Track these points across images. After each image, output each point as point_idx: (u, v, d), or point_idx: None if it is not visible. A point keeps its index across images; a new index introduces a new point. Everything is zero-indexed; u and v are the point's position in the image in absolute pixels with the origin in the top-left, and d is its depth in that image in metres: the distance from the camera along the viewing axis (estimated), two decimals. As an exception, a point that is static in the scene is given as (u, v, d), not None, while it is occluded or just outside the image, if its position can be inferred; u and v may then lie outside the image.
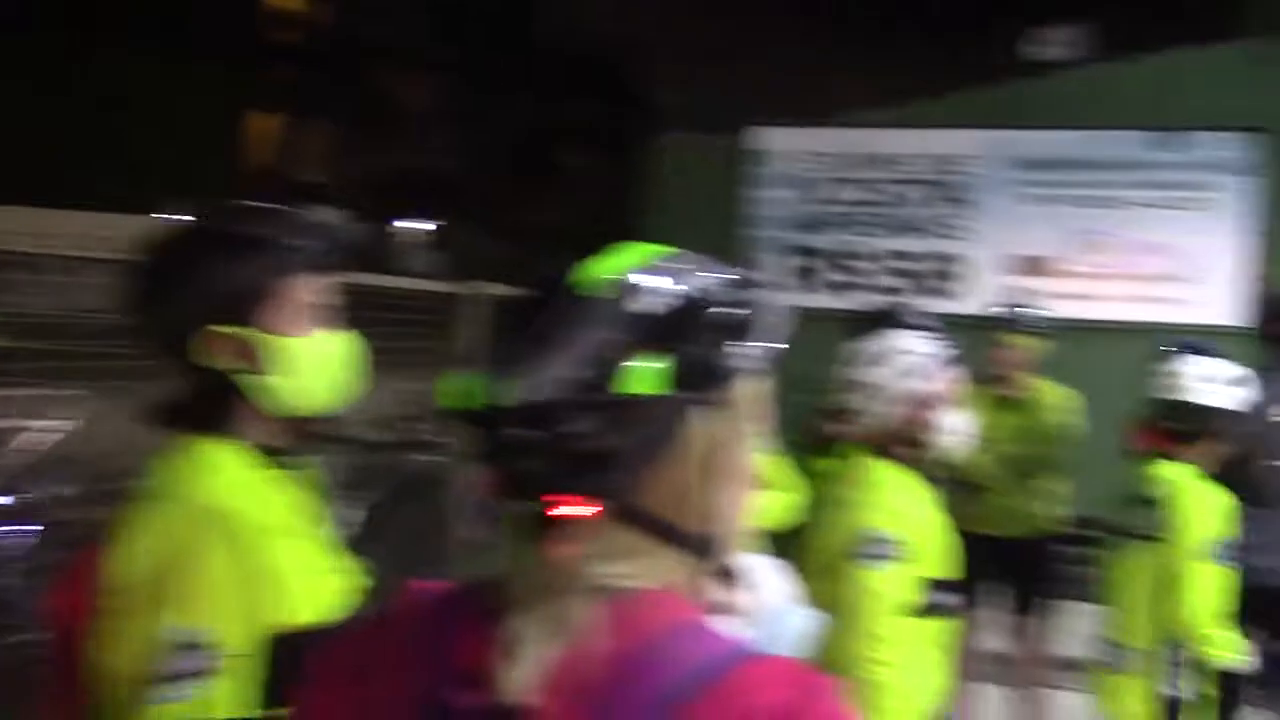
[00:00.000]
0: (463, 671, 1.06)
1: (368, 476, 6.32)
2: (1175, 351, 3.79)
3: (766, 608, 1.97)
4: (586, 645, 1.04)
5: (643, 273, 1.13)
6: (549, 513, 1.07)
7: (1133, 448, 3.79)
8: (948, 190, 8.77)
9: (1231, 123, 8.25)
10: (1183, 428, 3.66)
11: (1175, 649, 3.49)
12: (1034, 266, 8.65)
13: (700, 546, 1.15)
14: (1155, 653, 3.51)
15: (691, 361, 1.10)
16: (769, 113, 9.08)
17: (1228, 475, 3.74)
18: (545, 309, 1.10)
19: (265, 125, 17.85)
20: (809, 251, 9.00)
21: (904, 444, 2.94)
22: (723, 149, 9.07)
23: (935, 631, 2.87)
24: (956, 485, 4.31)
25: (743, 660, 1.07)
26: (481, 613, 1.09)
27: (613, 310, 1.09)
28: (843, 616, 2.74)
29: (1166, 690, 3.50)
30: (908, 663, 2.76)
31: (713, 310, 1.12)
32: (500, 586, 1.10)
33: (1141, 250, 8.45)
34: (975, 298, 8.62)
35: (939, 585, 2.83)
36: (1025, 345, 5.45)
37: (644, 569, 1.10)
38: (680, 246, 1.19)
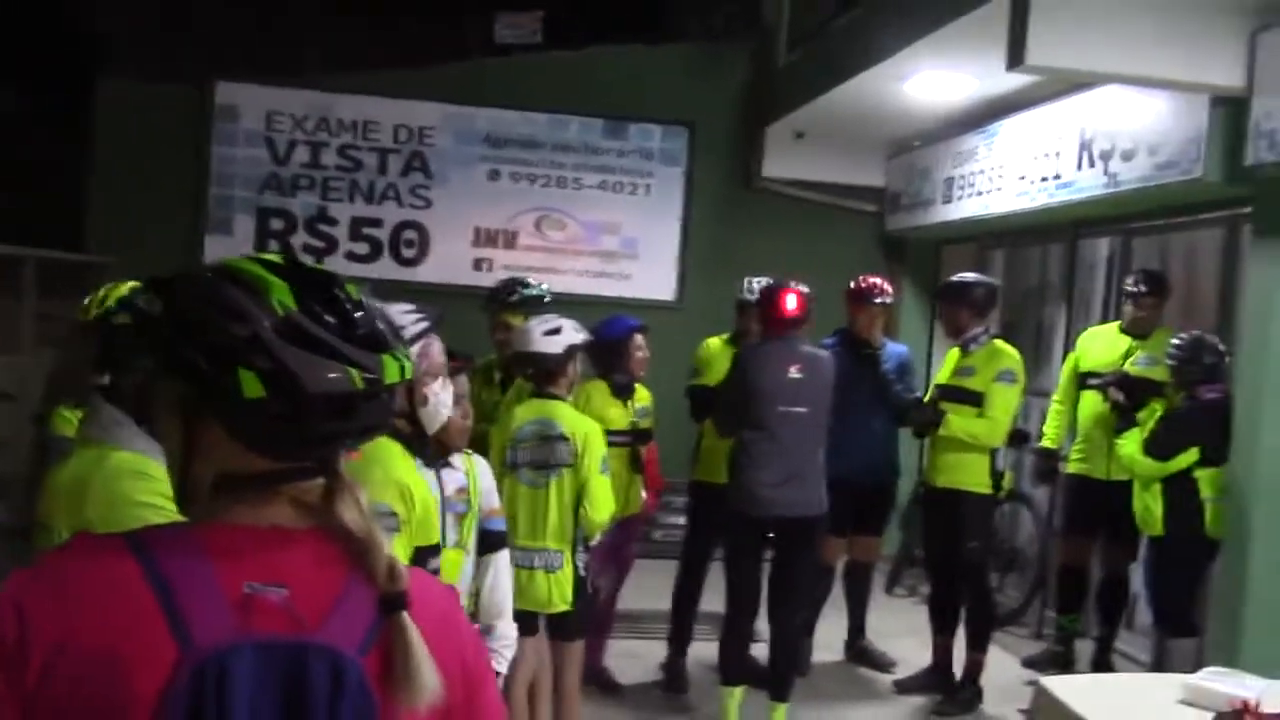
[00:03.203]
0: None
1: None
2: None
3: None
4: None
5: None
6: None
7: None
8: (413, 160, 9.02)
9: (668, 116, 9.19)
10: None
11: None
12: (493, 239, 9.13)
13: None
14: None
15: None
16: (231, 67, 8.80)
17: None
18: (344, 304, 1.32)
19: None
20: (280, 214, 8.89)
21: (398, 417, 2.97)
22: (184, 100, 8.70)
23: None
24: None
25: None
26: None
27: (380, 311, 1.36)
28: None
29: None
30: None
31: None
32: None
33: (591, 228, 9.21)
34: (437, 266, 8.98)
35: (425, 552, 2.96)
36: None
37: None
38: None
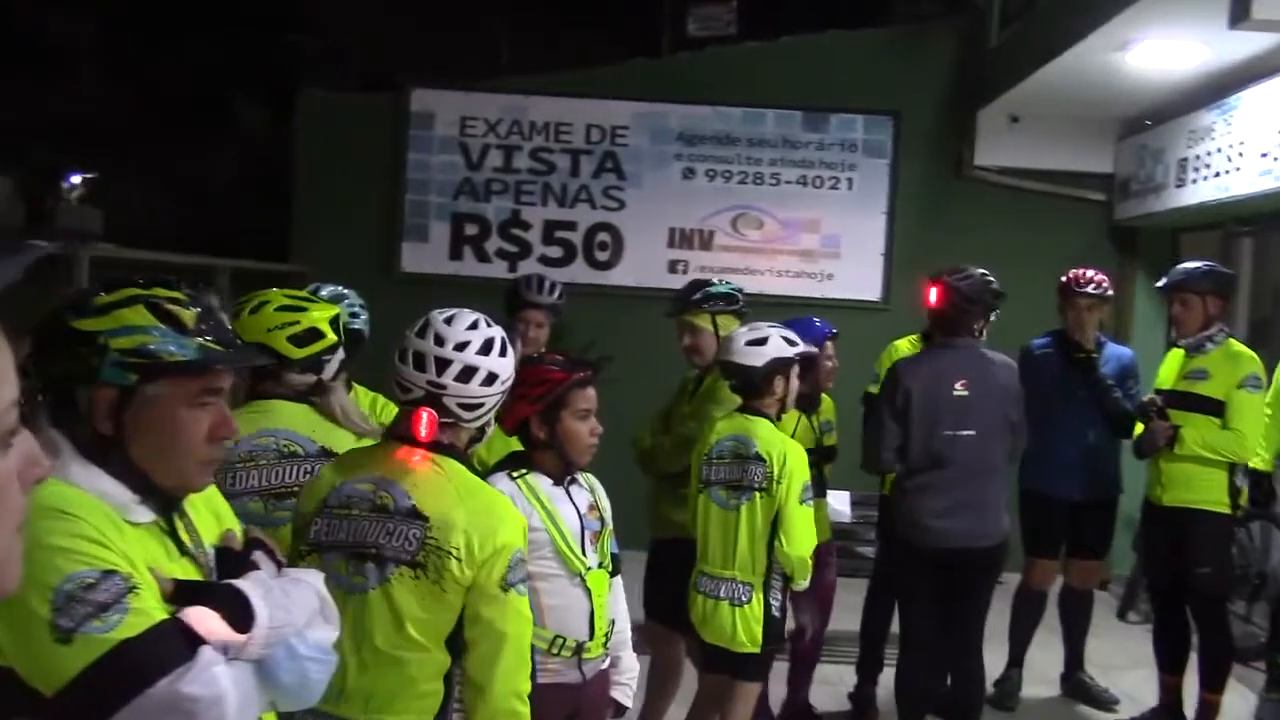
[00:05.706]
0: None
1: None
2: None
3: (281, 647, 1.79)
4: None
5: None
6: None
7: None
8: (606, 161, 8.79)
9: (871, 106, 8.66)
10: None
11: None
12: (688, 239, 8.81)
13: None
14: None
15: None
16: (428, 73, 8.81)
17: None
18: None
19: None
20: (473, 219, 8.81)
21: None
22: (380, 109, 8.76)
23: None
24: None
25: None
26: None
27: None
28: (493, 641, 2.51)
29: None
30: None
31: None
32: None
33: (791, 226, 8.77)
34: (631, 269, 8.73)
35: None
36: (724, 325, 4.97)
37: None
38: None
